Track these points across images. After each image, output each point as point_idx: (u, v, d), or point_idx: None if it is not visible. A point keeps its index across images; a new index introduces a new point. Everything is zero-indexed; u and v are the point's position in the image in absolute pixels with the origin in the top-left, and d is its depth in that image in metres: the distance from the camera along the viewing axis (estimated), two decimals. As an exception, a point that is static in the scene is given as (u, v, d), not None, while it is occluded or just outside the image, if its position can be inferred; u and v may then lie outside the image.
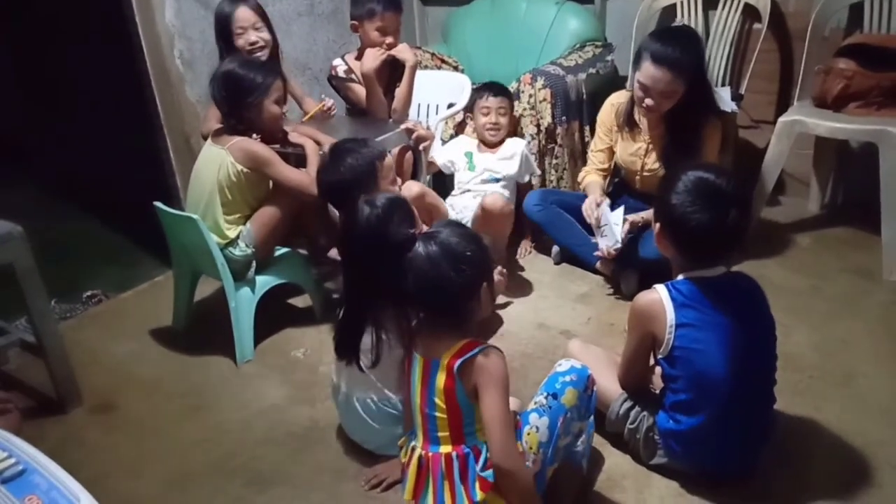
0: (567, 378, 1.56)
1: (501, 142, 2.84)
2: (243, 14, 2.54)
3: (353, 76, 2.70)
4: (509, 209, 2.55)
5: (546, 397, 1.53)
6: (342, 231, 1.83)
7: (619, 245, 2.39)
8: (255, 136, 2.26)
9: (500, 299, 2.47)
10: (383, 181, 2.05)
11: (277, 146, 2.39)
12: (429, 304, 1.49)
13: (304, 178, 2.26)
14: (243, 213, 2.29)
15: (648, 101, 2.27)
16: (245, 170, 2.21)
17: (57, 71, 3.77)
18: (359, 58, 2.70)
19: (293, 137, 2.41)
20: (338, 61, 2.74)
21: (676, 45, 2.20)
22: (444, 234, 1.47)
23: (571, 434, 1.57)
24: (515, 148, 2.81)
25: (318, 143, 2.42)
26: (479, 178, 2.78)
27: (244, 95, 2.21)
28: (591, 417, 1.67)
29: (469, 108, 2.92)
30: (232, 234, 2.25)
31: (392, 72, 2.70)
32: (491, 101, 2.80)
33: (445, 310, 1.47)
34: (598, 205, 2.43)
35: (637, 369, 1.73)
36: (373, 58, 2.56)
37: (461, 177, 2.83)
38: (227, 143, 2.22)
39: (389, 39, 2.61)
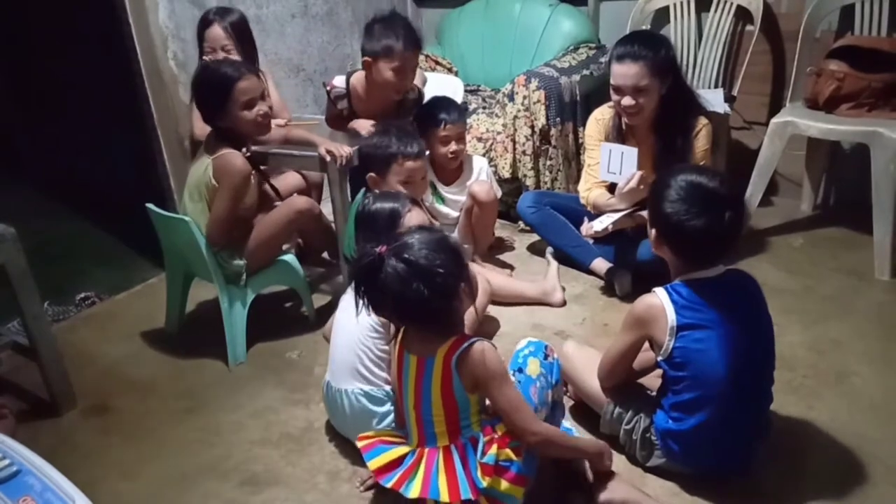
0: (526, 351, 1.65)
1: (459, 167, 2.71)
2: (213, 33, 2.59)
3: (340, 102, 2.58)
4: (494, 193, 2.66)
5: (514, 374, 1.60)
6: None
7: (599, 231, 2.40)
8: (245, 150, 2.19)
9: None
10: (392, 174, 2.07)
11: (267, 147, 2.40)
12: (410, 319, 1.51)
13: (218, 225, 2.17)
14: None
15: (626, 101, 2.29)
16: (215, 184, 2.17)
17: (50, 72, 3.76)
18: (365, 91, 2.55)
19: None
20: (339, 80, 2.60)
21: (635, 42, 2.29)
22: (409, 248, 1.42)
23: (547, 405, 1.62)
24: (479, 172, 2.72)
25: (312, 144, 2.43)
26: (452, 211, 2.72)
27: (210, 106, 2.16)
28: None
29: (421, 134, 2.52)
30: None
31: (398, 109, 2.62)
32: (450, 129, 2.56)
33: (427, 321, 1.48)
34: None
35: (620, 369, 1.74)
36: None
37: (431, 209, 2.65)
38: (214, 154, 2.17)
39: (406, 82, 2.47)
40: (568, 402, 1.92)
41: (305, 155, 2.42)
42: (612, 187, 2.48)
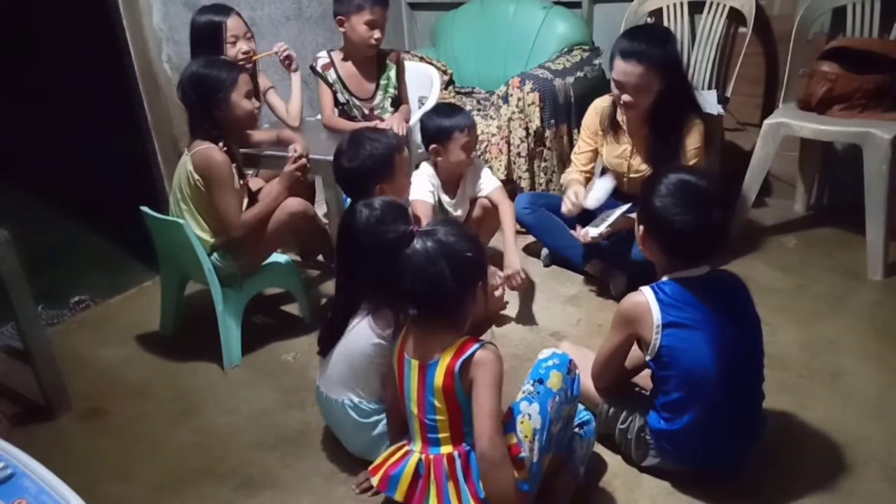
0: (550, 363, 1.56)
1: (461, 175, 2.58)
2: (235, 23, 2.56)
3: (328, 73, 2.71)
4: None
5: (533, 384, 1.54)
6: (339, 230, 1.82)
7: (595, 237, 2.39)
8: (221, 144, 2.17)
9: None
10: (400, 172, 2.05)
11: (249, 149, 2.41)
12: (424, 302, 1.50)
13: (235, 216, 2.19)
14: (212, 226, 2.23)
15: (625, 98, 2.29)
16: (199, 179, 2.16)
17: (45, 75, 3.75)
18: (345, 58, 2.72)
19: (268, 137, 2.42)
20: (322, 55, 2.75)
21: (643, 39, 2.25)
22: (443, 232, 1.48)
23: (562, 419, 1.56)
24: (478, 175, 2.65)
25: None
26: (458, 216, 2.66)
27: (212, 93, 2.15)
28: (592, 425, 1.69)
29: (437, 140, 2.41)
30: (207, 237, 2.22)
31: (379, 72, 2.69)
32: (472, 135, 2.44)
33: (440, 308, 1.48)
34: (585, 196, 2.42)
35: (611, 368, 1.74)
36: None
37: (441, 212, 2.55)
38: (193, 149, 2.16)
39: (377, 35, 2.62)
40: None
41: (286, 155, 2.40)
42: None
